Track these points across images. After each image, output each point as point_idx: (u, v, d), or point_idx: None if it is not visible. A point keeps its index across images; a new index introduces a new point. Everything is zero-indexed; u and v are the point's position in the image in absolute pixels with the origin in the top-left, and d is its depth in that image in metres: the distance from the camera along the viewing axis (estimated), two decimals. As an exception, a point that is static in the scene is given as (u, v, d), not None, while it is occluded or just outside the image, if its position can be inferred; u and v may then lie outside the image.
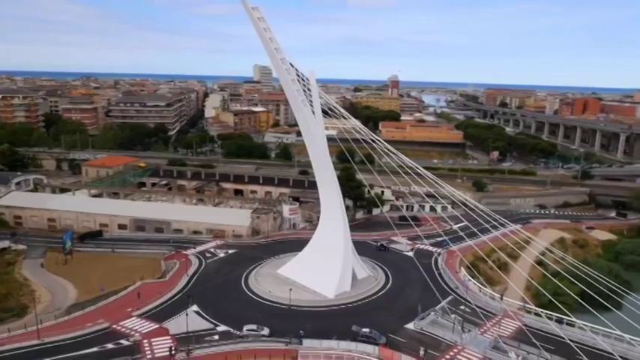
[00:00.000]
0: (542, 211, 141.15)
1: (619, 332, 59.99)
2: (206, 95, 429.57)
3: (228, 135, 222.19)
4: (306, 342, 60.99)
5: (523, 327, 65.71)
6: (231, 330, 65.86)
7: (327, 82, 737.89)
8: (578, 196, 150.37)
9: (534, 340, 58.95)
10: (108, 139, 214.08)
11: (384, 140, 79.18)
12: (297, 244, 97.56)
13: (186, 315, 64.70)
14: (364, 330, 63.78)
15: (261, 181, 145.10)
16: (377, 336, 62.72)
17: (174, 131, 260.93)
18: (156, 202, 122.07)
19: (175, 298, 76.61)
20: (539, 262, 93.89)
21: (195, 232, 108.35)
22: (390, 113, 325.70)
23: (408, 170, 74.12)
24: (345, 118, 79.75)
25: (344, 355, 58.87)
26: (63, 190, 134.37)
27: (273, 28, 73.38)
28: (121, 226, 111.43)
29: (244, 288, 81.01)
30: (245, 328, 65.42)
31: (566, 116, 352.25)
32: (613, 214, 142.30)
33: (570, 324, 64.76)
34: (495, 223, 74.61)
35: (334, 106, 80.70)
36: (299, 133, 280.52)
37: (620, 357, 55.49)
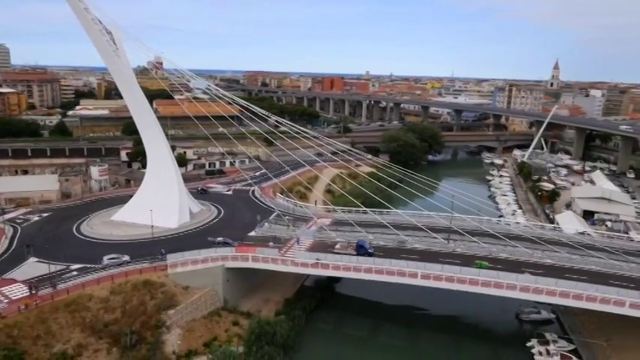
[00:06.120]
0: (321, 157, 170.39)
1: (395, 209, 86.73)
2: None
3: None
4: (170, 256, 67.87)
5: (334, 220, 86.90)
6: (87, 265, 67.56)
7: (77, 68, 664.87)
8: (344, 145, 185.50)
9: (352, 222, 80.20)
10: None
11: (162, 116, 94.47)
12: (114, 201, 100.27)
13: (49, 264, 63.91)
14: (219, 239, 74.32)
15: (49, 154, 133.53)
16: (230, 241, 73.97)
17: None
18: None
19: (5, 256, 72.15)
20: (329, 190, 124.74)
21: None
22: (163, 92, 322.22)
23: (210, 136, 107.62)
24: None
25: (209, 257, 68.29)
26: None
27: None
28: None
29: (81, 237, 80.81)
30: (105, 258, 68.18)
31: (321, 92, 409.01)
32: (369, 156, 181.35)
33: (363, 213, 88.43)
34: (287, 168, 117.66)
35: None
36: (64, 115, 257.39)
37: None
